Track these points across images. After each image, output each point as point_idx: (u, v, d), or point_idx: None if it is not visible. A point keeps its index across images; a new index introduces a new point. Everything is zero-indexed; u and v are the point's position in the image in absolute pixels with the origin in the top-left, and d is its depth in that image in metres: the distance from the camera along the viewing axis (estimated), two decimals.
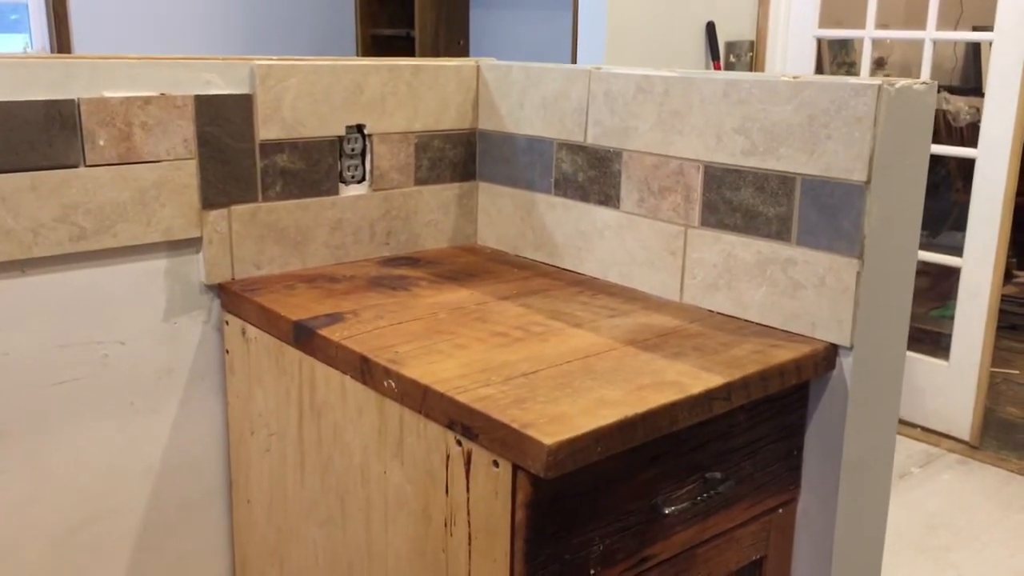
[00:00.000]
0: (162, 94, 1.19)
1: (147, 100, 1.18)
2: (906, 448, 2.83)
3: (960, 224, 2.83)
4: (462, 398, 0.90)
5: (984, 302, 2.70)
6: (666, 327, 1.14)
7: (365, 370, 1.02)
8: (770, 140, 1.11)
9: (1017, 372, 3.50)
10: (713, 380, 0.97)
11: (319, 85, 1.33)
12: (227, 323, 1.28)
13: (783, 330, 1.13)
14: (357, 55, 4.44)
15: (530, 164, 1.45)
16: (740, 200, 1.16)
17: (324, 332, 1.09)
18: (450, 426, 0.92)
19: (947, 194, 4.04)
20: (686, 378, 0.97)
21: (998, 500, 2.48)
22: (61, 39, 3.63)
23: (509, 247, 1.51)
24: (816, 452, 1.13)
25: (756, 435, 1.07)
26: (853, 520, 1.14)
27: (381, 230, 1.44)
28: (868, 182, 1.03)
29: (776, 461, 1.11)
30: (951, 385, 2.80)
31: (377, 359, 1.01)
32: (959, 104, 4.32)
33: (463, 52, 4.41)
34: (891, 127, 1.03)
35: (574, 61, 3.18)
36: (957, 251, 2.75)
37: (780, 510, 1.13)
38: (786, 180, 1.11)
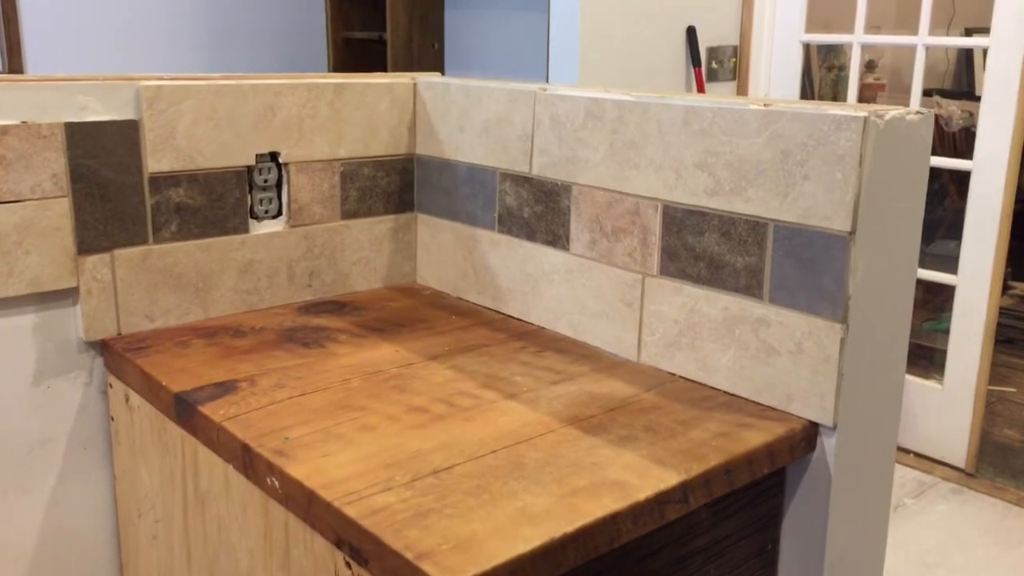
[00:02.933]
0: (23, 122, 1.01)
1: (3, 130, 1.00)
2: (899, 476, 2.66)
3: (954, 232, 2.67)
4: (352, 511, 0.73)
5: (980, 322, 2.53)
6: (616, 397, 0.97)
7: (247, 462, 0.85)
8: (737, 178, 0.94)
9: (1014, 390, 3.33)
10: (665, 478, 0.79)
11: (221, 108, 1.15)
12: (111, 386, 1.10)
13: (754, 401, 0.96)
14: (328, 59, 4.26)
15: (471, 196, 1.28)
16: (704, 247, 0.99)
17: (207, 409, 0.91)
18: (338, 544, 0.74)
19: (941, 202, 3.88)
20: (632, 476, 0.80)
21: (996, 535, 2.31)
22: (12, 57, 3.42)
23: (450, 288, 1.34)
24: (795, 546, 0.96)
25: (721, 533, 0.89)
26: None
27: (302, 271, 1.27)
28: (853, 232, 0.86)
29: (747, 560, 0.93)
30: (945, 409, 2.63)
31: (261, 449, 0.83)
32: (952, 108, 4.17)
33: (438, 55, 4.23)
34: (880, 166, 0.86)
35: (548, 68, 3.00)
36: (951, 260, 2.58)
37: None
38: (756, 226, 0.93)
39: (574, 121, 1.10)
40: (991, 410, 3.04)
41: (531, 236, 1.19)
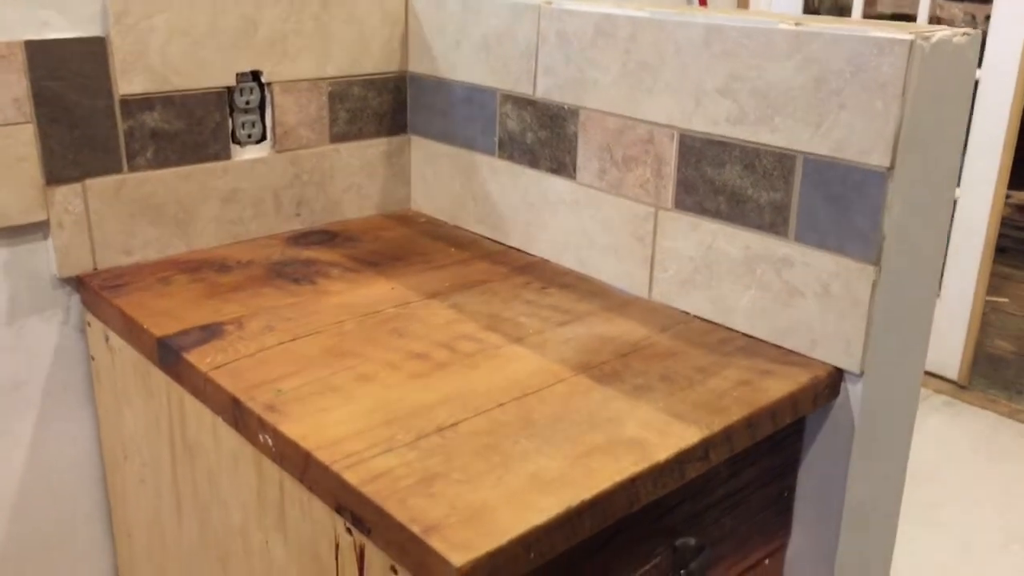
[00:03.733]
0: None
1: None
2: None
3: None
4: (352, 477, 0.68)
5: (980, 236, 2.49)
6: (629, 340, 0.91)
7: (238, 416, 0.79)
8: (764, 106, 0.87)
9: (1007, 300, 3.31)
10: (686, 435, 0.74)
11: (198, 23, 1.05)
12: (89, 324, 1.04)
13: (775, 345, 0.91)
14: None
15: (470, 118, 1.19)
16: (724, 180, 0.92)
17: (192, 356, 0.85)
18: (338, 511, 0.69)
19: None
20: (651, 432, 0.75)
21: (987, 450, 2.31)
22: None
23: (447, 216, 1.26)
24: (811, 492, 0.92)
25: (739, 484, 0.85)
26: (855, 569, 0.94)
27: (289, 200, 1.19)
28: (891, 168, 0.79)
29: (763, 509, 0.90)
30: (941, 322, 2.60)
31: (252, 404, 0.78)
32: (954, 11, 4.03)
33: None
34: (924, 95, 0.79)
35: None
36: None
37: (766, 561, 0.93)
38: (784, 159, 0.86)
39: (583, 39, 1.02)
40: (984, 320, 3.01)
41: (534, 163, 1.12)
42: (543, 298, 1.02)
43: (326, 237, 1.19)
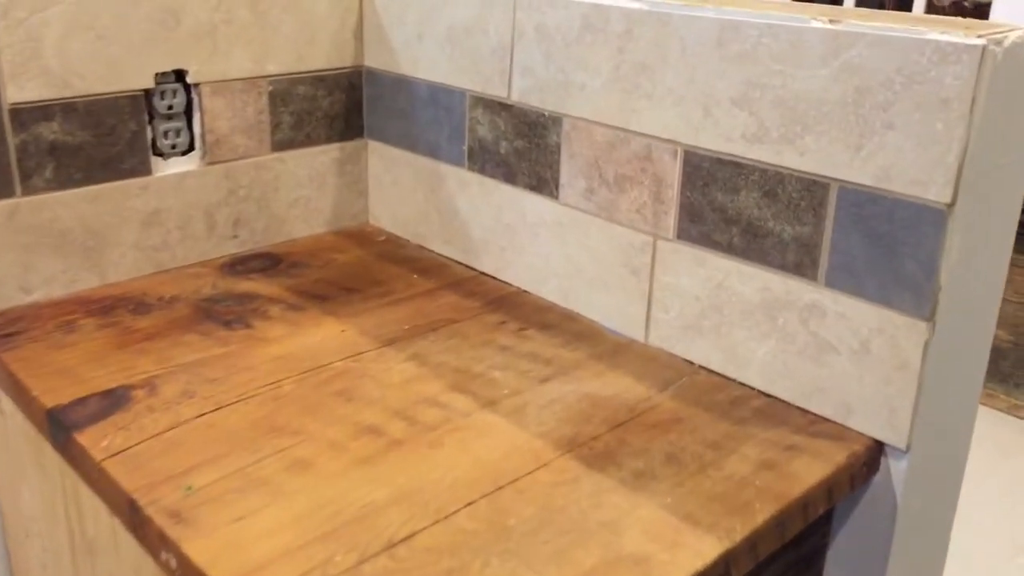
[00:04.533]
0: None
1: None
2: None
3: None
4: None
5: None
6: (625, 402, 0.76)
7: (136, 523, 0.63)
8: (790, 122, 0.71)
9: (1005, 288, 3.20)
10: (703, 548, 0.59)
11: (103, 15, 0.88)
12: None
13: (798, 407, 0.75)
14: None
15: (434, 122, 1.03)
16: (739, 208, 0.76)
17: (85, 437, 0.69)
18: None
19: None
20: (657, 545, 0.59)
21: (991, 446, 2.20)
22: None
23: (410, 233, 1.10)
24: None
25: None
26: None
27: (224, 219, 1.02)
28: (952, 204, 0.64)
29: None
30: None
31: (152, 509, 0.61)
32: None
33: None
34: (994, 114, 0.63)
35: None
36: None
37: None
38: (813, 187, 0.71)
39: (567, 34, 0.85)
40: None
41: (510, 178, 0.95)
42: (521, 343, 0.86)
43: (268, 263, 1.02)
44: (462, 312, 0.92)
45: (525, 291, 0.97)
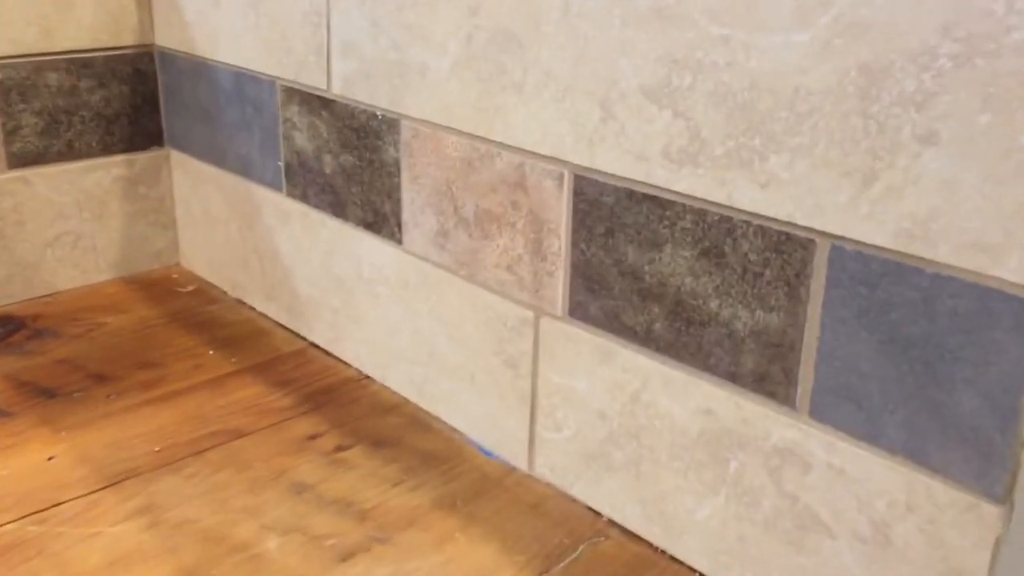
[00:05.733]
0: None
1: None
2: None
3: None
4: None
5: None
6: None
7: None
8: (746, 129, 0.40)
9: None
10: None
11: None
12: None
13: None
14: None
15: (242, 125, 0.71)
16: (662, 273, 0.45)
17: None
18: None
19: None
20: None
21: None
22: None
23: (228, 283, 0.79)
24: None
25: None
26: None
27: None
28: None
29: None
30: None
31: None
32: None
33: None
34: None
35: None
36: None
37: None
38: (786, 245, 0.40)
39: None
40: None
41: (338, 209, 0.64)
42: (332, 477, 0.54)
43: (2, 328, 0.71)
44: (259, 416, 0.61)
45: (367, 377, 0.66)
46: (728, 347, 0.43)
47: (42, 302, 0.76)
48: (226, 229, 0.76)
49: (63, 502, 0.51)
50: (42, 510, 0.50)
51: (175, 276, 0.82)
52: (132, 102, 0.77)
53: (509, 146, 0.51)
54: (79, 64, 0.74)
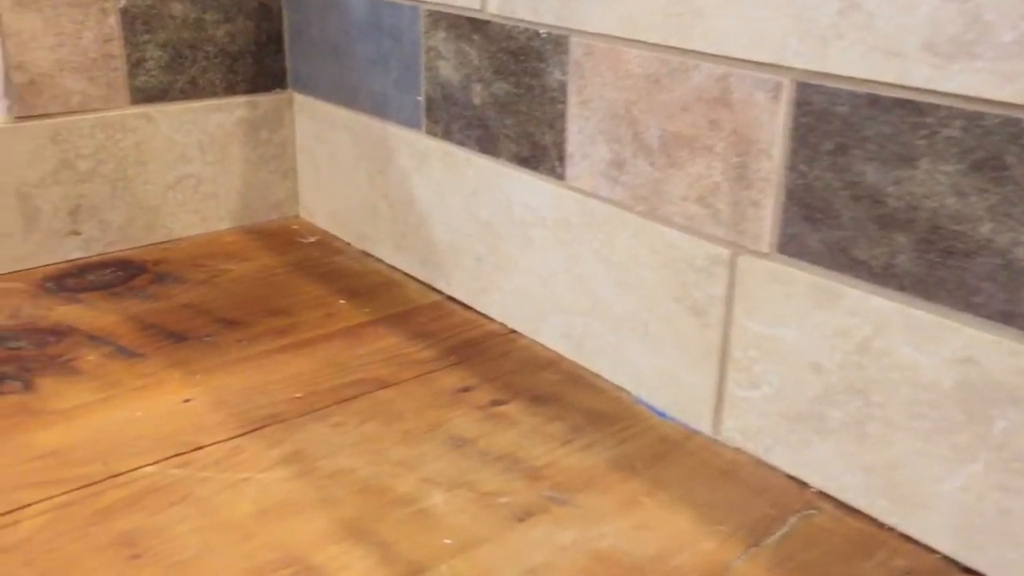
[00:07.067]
0: None
1: None
2: None
3: None
4: None
5: None
6: None
7: None
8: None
9: None
10: None
11: None
12: None
13: None
14: None
15: (377, 59, 0.66)
16: (913, 195, 0.38)
17: None
18: None
19: None
20: None
21: None
22: None
23: (352, 234, 0.74)
24: None
25: None
26: None
27: (54, 207, 0.66)
28: None
29: None
30: None
31: None
32: None
33: None
34: None
35: None
36: None
37: None
38: None
39: None
40: None
41: (488, 144, 0.59)
42: (492, 432, 0.49)
43: (119, 275, 0.67)
44: (402, 366, 0.55)
45: (514, 331, 0.60)
46: (1003, 281, 0.36)
47: (160, 248, 0.72)
48: (353, 175, 0.71)
49: (204, 446, 0.46)
50: (182, 453, 0.46)
51: (295, 227, 0.77)
52: (257, 39, 0.73)
53: (710, 55, 0.44)
54: None
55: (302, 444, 0.47)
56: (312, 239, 0.75)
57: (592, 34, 0.50)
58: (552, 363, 0.56)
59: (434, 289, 0.66)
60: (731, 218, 0.45)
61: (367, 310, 0.63)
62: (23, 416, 0.49)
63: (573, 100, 0.52)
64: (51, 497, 0.42)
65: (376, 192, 0.70)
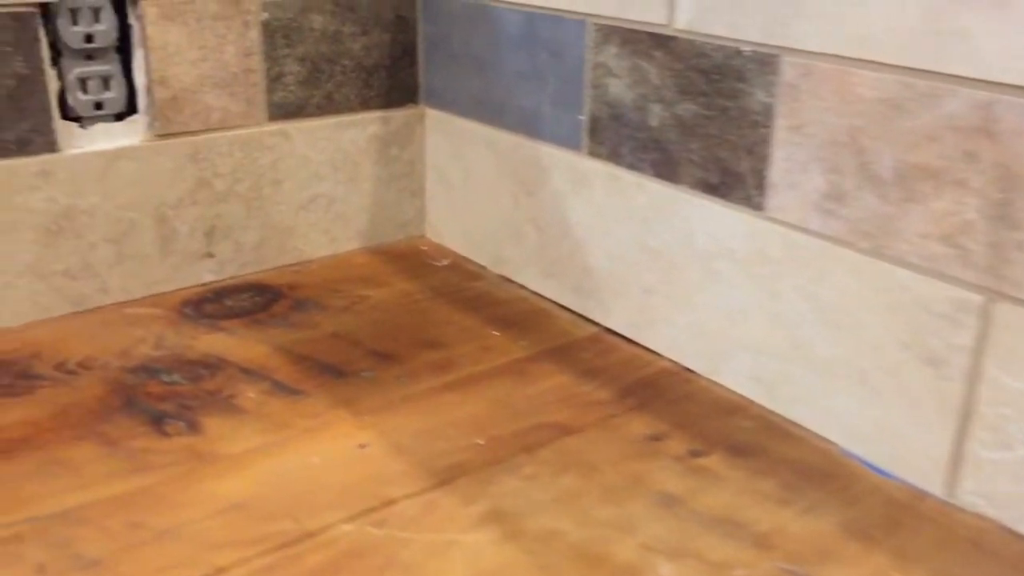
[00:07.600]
0: None
1: None
2: None
3: None
4: None
5: None
6: None
7: None
8: None
9: None
10: None
11: None
12: None
13: None
14: None
15: (531, 74, 0.62)
16: None
17: None
18: None
19: None
20: None
21: None
22: None
23: (487, 256, 0.70)
24: None
25: None
26: None
27: (190, 228, 0.63)
28: None
29: None
30: None
31: None
32: None
33: None
34: None
35: None
36: None
37: None
38: None
39: None
40: None
41: (666, 169, 0.54)
42: (701, 487, 0.44)
43: (258, 301, 0.63)
44: (581, 409, 0.51)
45: (689, 370, 0.56)
46: None
47: (292, 270, 0.68)
48: (494, 195, 0.68)
49: (396, 500, 0.43)
50: (375, 508, 0.42)
51: (423, 248, 0.74)
52: (392, 52, 0.69)
53: (971, 79, 0.40)
54: (345, 7, 0.66)
55: (499, 500, 0.43)
56: (445, 262, 0.71)
57: (810, 53, 0.46)
58: (740, 408, 0.52)
59: (589, 320, 0.62)
60: (987, 260, 0.41)
61: (523, 343, 0.59)
62: (195, 462, 0.45)
63: (780, 124, 0.48)
64: (248, 560, 0.39)
65: (522, 214, 0.66)
